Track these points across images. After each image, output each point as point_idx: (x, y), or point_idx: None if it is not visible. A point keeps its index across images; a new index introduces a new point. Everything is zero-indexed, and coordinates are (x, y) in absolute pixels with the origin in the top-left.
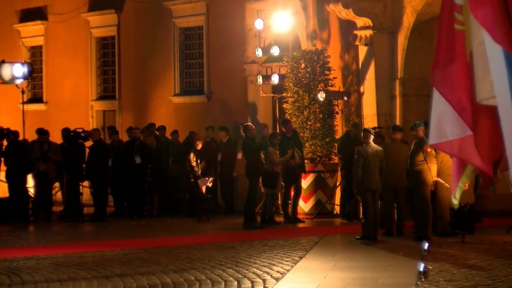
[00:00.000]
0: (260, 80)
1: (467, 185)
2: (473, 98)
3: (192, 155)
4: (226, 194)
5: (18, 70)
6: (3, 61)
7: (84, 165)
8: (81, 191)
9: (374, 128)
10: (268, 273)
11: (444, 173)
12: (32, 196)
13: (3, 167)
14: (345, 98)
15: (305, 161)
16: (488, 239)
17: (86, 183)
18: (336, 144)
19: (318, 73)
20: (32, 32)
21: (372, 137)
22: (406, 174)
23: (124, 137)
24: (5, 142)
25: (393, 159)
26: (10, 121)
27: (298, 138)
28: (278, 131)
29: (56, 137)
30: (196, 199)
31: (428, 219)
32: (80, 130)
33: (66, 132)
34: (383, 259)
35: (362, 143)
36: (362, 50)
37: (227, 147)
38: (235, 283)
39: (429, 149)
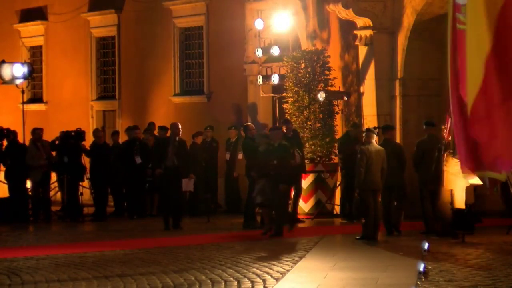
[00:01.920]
0: (260, 80)
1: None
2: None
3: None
4: (231, 193)
5: (18, 70)
6: (3, 61)
7: (84, 165)
8: (81, 191)
9: (374, 128)
10: (268, 273)
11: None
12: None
13: (3, 167)
14: (345, 98)
15: (305, 161)
16: (488, 239)
17: (86, 183)
18: (336, 144)
19: (318, 73)
20: (32, 32)
21: (375, 136)
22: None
23: (123, 137)
24: (5, 142)
25: (387, 159)
26: (10, 121)
27: (299, 138)
28: None
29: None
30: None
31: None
32: (79, 130)
33: (64, 133)
34: (383, 259)
35: (361, 143)
36: (362, 50)
37: (236, 146)
38: (235, 283)
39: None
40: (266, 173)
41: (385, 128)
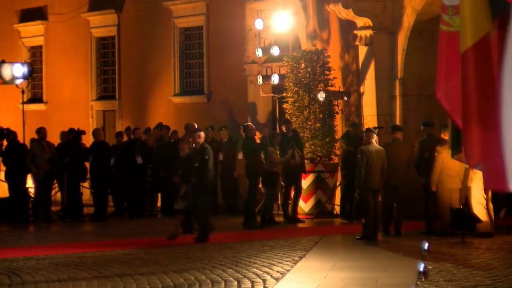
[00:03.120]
0: (260, 80)
1: None
2: (462, 100)
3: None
4: (228, 193)
5: (18, 70)
6: (3, 61)
7: (85, 165)
8: (81, 191)
9: (375, 128)
10: (268, 273)
11: (445, 173)
12: (32, 196)
13: (3, 167)
14: (345, 98)
15: (305, 161)
16: (488, 239)
17: (86, 183)
18: (336, 144)
19: (318, 73)
20: (32, 32)
21: (375, 136)
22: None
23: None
24: (5, 142)
25: (394, 159)
26: (10, 121)
27: (299, 138)
28: (278, 131)
29: (55, 138)
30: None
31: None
32: (79, 130)
33: (68, 133)
34: (383, 259)
35: (362, 142)
36: (362, 50)
37: (231, 146)
38: (235, 283)
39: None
40: (189, 179)
41: (394, 128)
